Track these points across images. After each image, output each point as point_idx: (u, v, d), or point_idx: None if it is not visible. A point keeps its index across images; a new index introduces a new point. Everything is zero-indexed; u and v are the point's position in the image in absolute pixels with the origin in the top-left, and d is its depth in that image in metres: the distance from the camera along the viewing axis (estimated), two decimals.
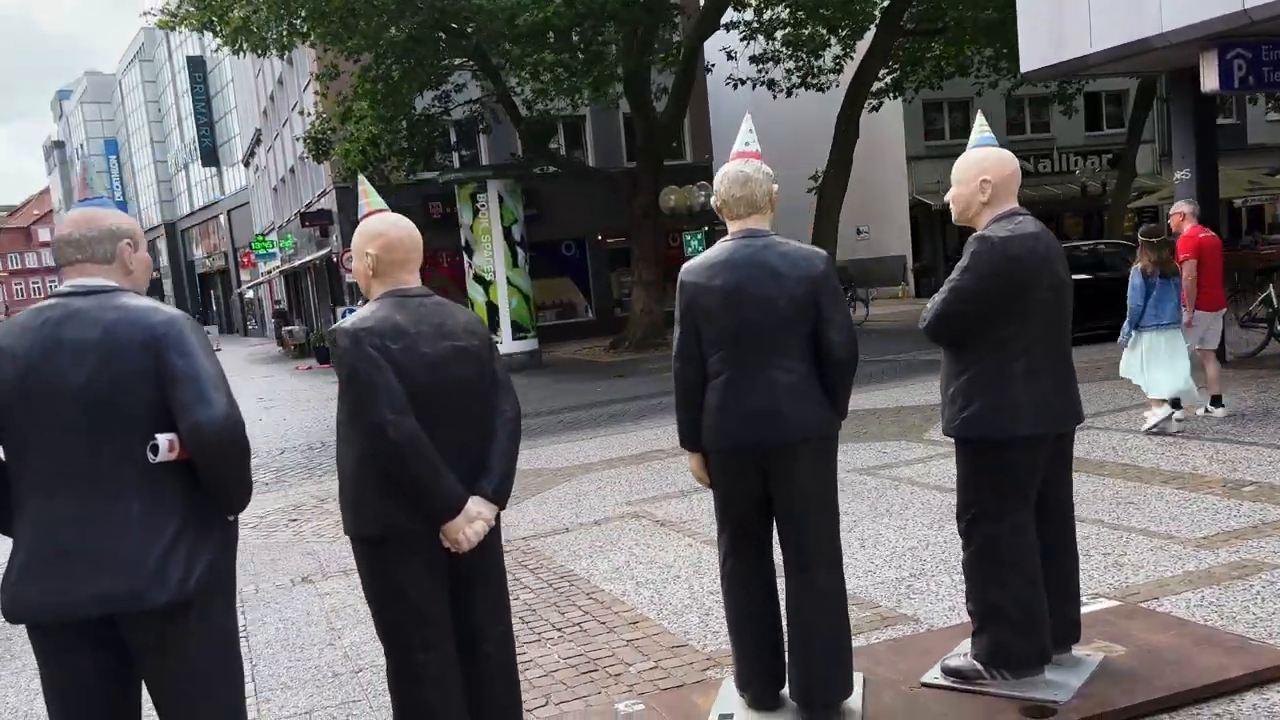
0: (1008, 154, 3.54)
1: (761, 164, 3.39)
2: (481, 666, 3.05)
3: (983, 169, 3.50)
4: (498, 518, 3.07)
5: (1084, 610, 4.15)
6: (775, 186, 3.40)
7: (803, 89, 23.10)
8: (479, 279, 20.38)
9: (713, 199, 3.45)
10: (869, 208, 30.46)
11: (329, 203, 27.38)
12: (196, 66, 52.74)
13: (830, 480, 3.36)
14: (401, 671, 2.94)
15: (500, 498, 2.98)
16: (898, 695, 3.57)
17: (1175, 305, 7.90)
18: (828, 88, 22.92)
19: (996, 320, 3.39)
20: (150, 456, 2.39)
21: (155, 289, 70.20)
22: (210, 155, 53.34)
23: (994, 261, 3.36)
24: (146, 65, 64.50)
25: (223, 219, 53.11)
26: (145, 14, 18.20)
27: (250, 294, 49.53)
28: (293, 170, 33.86)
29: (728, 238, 3.39)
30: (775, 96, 23.02)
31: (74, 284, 2.53)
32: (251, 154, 43.85)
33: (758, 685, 3.46)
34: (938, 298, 3.50)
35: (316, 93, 21.89)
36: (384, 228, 2.98)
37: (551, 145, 25.86)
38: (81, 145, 77.55)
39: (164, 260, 67.13)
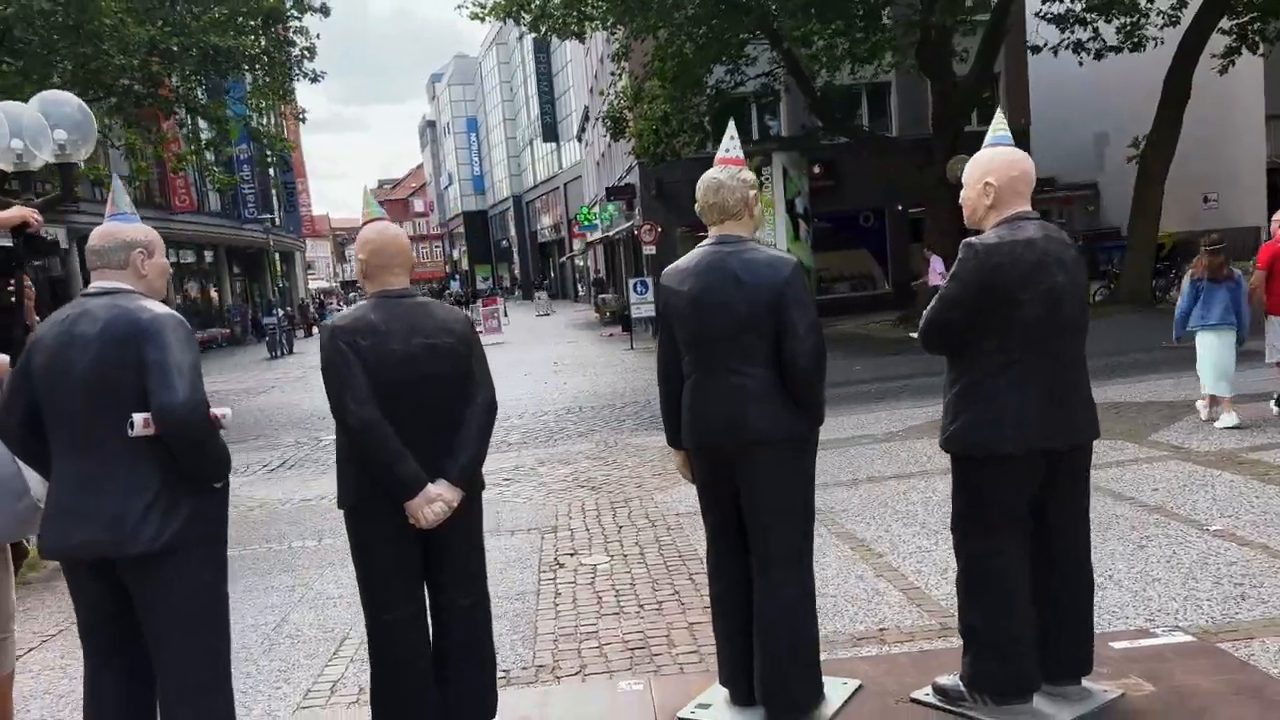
0: (1018, 154, 3.33)
1: (740, 170, 3.43)
2: (448, 636, 3.39)
3: (987, 170, 3.33)
4: (475, 501, 3.39)
5: (1149, 643, 3.86)
6: (753, 193, 3.43)
7: (1116, 51, 21.05)
8: None
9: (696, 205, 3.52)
10: (1218, 173, 27.38)
11: (634, 177, 28.61)
12: (540, 48, 56.36)
13: (796, 484, 3.36)
14: (371, 629, 3.34)
15: (464, 482, 3.28)
16: (880, 707, 3.52)
17: (1224, 308, 8.28)
18: (1145, 47, 20.76)
19: (981, 330, 3.23)
20: (128, 431, 2.92)
21: (505, 256, 76.26)
22: (550, 131, 57.08)
23: (975, 269, 3.20)
24: (501, 48, 69.86)
25: (560, 191, 56.79)
26: (458, 7, 19.78)
27: (581, 262, 52.76)
28: (610, 145, 35.59)
29: (702, 243, 3.47)
30: (1080, 62, 21.21)
31: (95, 286, 3.10)
32: (582, 130, 46.48)
33: (734, 678, 3.54)
34: (931, 304, 3.38)
35: (612, 73, 22.92)
36: (372, 235, 3.36)
37: (856, 112, 25.46)
38: (448, 124, 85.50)
39: (511, 230, 72.93)
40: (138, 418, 2.91)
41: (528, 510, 7.44)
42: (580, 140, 48.89)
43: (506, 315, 38.26)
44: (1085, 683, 3.43)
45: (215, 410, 3.08)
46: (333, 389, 3.19)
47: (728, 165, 3.45)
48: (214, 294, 41.08)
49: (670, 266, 3.53)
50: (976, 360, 3.27)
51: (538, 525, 6.92)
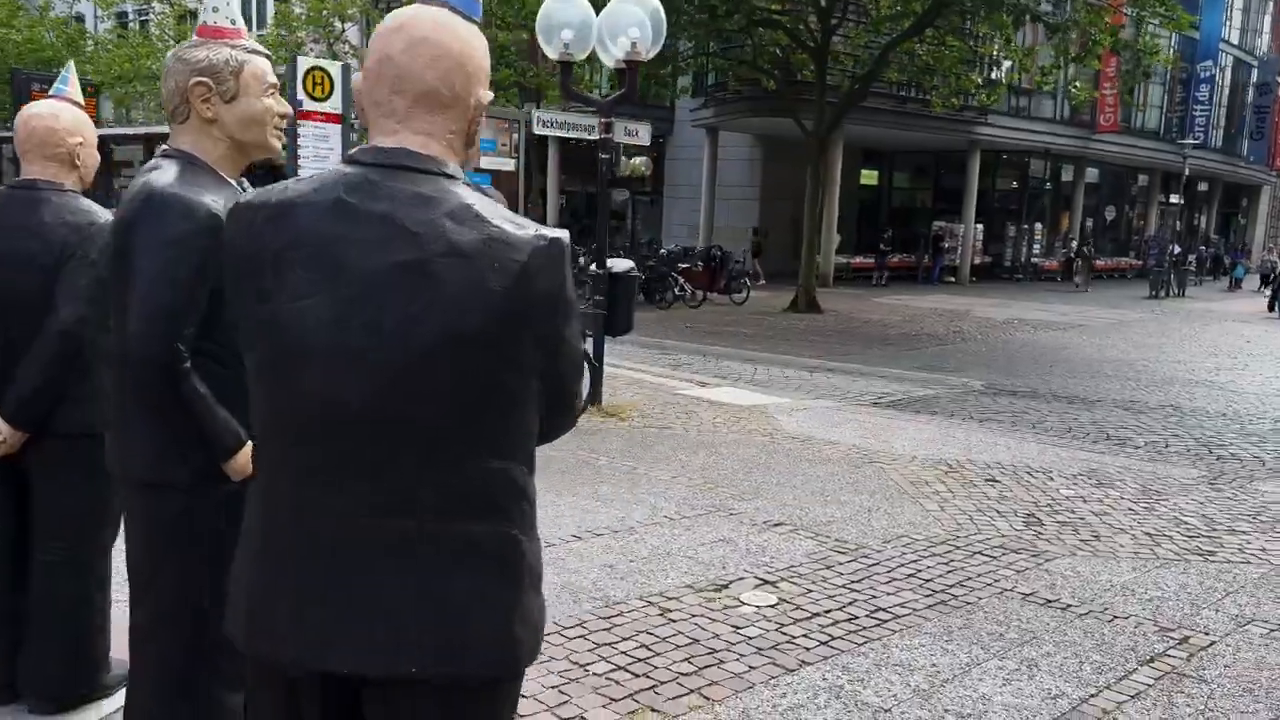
0: None
1: (201, 45, 2.07)
2: (28, 591, 2.90)
3: None
4: (71, 447, 2.83)
5: None
6: (193, 81, 2.04)
7: None
8: None
9: None
10: None
11: None
12: None
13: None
14: None
15: (15, 420, 2.72)
16: None
17: None
18: None
19: None
20: None
21: None
22: None
23: None
24: None
25: None
26: None
27: None
28: None
29: None
30: None
31: None
32: None
33: None
34: None
35: None
36: (21, 113, 2.90)
37: None
38: None
39: None
40: None
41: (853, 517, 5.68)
42: None
43: None
44: None
45: None
46: None
47: (203, 38, 2.12)
48: (1137, 220, 38.73)
49: None
50: None
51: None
